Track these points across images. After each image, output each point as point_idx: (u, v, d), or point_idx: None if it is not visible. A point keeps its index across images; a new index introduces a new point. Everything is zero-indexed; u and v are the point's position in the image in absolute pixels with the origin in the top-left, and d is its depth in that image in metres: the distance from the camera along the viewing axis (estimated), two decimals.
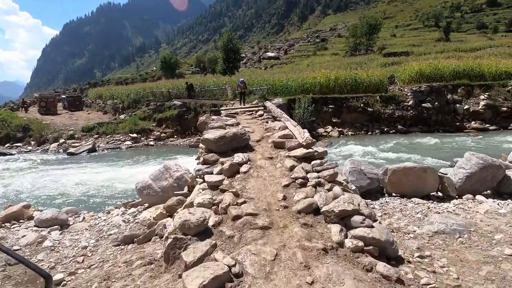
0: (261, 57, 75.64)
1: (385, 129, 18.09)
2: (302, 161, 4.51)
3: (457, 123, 18.31)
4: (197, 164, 4.99)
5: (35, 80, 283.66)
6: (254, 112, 9.59)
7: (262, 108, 10.25)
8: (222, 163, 4.48)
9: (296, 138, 5.38)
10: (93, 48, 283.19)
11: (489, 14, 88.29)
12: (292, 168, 4.23)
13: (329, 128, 18.13)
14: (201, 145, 5.33)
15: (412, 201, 5.41)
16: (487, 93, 18.92)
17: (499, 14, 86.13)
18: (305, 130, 5.45)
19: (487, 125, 18.00)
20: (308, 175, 4.02)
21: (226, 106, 16.04)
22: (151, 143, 18.25)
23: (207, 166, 4.59)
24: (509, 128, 17.87)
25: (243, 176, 4.10)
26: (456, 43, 56.85)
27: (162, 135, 19.03)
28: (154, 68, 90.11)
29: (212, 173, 4.33)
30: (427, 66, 20.38)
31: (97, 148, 17.22)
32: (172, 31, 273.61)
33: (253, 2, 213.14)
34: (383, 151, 13.20)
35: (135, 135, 18.65)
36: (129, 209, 6.33)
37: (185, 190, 5.30)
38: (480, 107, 18.49)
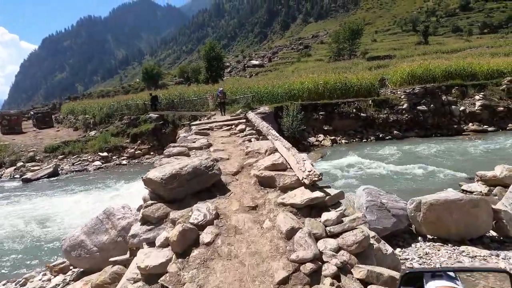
0: (246, 65, 74.49)
1: (380, 135, 16.65)
2: (305, 214, 2.73)
3: (455, 126, 17.09)
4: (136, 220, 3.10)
5: (13, 96, 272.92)
6: (233, 126, 7.52)
7: (244, 120, 8.28)
8: (173, 222, 2.65)
9: (291, 168, 3.61)
10: (74, 62, 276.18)
11: (463, 17, 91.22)
12: (290, 235, 2.44)
13: (321, 136, 16.53)
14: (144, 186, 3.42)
15: (463, 251, 3.70)
16: (482, 93, 17.86)
17: (472, 18, 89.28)
18: (305, 157, 3.65)
19: (485, 126, 16.85)
20: (321, 247, 2.26)
21: (206, 118, 14.21)
22: (124, 162, 16.10)
23: (149, 227, 2.74)
24: (507, 128, 16.81)
25: (205, 255, 2.29)
26: (435, 45, 57.60)
27: (137, 152, 16.91)
28: (137, 80, 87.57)
29: (154, 242, 2.49)
30: (418, 67, 19.25)
31: (60, 171, 14.93)
32: (155, 42, 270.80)
33: (235, 12, 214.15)
34: (385, 162, 11.61)
35: (105, 154, 16.45)
36: (55, 276, 4.35)
37: (128, 254, 3.42)
38: (476, 107, 17.37)
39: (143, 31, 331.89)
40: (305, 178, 3.03)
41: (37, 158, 16.59)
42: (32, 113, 29.34)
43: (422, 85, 17.76)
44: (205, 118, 13.22)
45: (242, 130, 6.79)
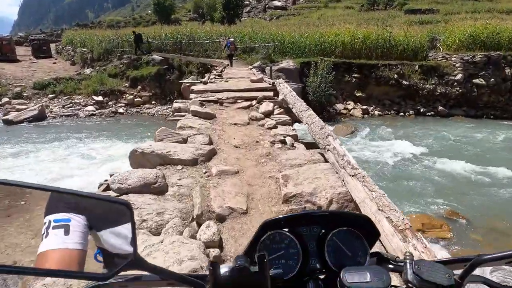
0: (267, 6, 66.82)
1: (422, 110, 13.92)
2: None
3: None
4: None
5: (22, 18, 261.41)
6: (254, 103, 4.62)
7: (271, 91, 5.25)
8: None
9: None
10: None
11: None
12: None
13: (351, 104, 13.88)
14: None
15: None
16: None
17: None
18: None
19: None
20: None
21: (217, 68, 11.55)
22: (121, 110, 13.99)
23: None
24: None
25: None
26: (486, 2, 49.57)
27: (136, 99, 14.69)
28: (149, 11, 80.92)
29: None
30: (483, 28, 15.40)
31: (47, 115, 13.00)
32: None
33: None
34: (436, 152, 9.20)
35: (100, 98, 14.27)
36: None
37: None
38: None
39: None
40: None
41: (25, 94, 14.55)
42: (30, 39, 26.46)
43: (485, 53, 14.27)
44: (216, 69, 10.61)
45: (268, 114, 4.08)
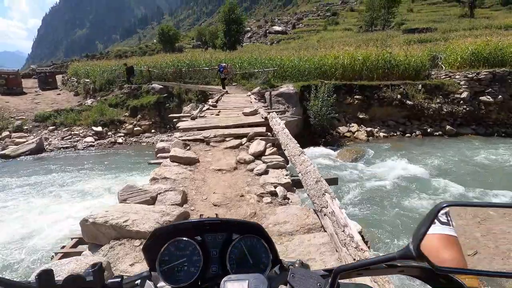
0: (267, 31, 68.81)
1: (429, 130, 13.34)
2: None
3: None
4: None
5: (36, 51, 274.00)
6: (244, 142, 4.05)
7: (263, 126, 4.70)
8: None
9: None
10: (94, 18, 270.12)
11: None
12: None
13: (354, 126, 13.40)
14: None
15: None
16: None
17: None
18: None
19: None
20: None
21: (214, 96, 11.32)
22: (120, 140, 13.72)
23: None
24: None
25: None
26: (482, 19, 50.08)
27: (136, 128, 14.46)
28: (154, 41, 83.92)
29: None
30: (484, 46, 15.11)
31: (46, 147, 12.77)
32: (175, 2, 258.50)
33: None
34: (447, 175, 8.54)
35: (99, 128, 14.07)
36: None
37: None
38: None
39: None
40: None
41: (25, 127, 14.45)
42: (36, 71, 27.12)
43: (490, 70, 13.86)
44: (213, 97, 10.34)
45: (259, 154, 3.47)
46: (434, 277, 0.51)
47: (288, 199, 2.56)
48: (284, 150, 2.95)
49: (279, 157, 3.20)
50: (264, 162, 3.10)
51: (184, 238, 0.68)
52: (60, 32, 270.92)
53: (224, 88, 13.67)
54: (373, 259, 0.52)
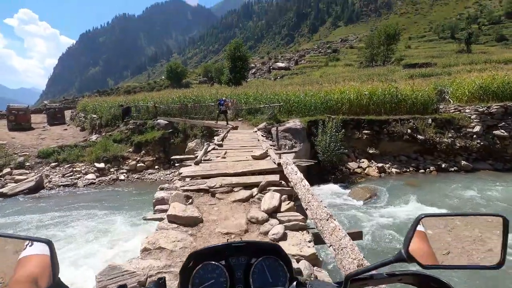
0: (271, 67, 71.27)
1: (443, 166, 12.68)
2: None
3: None
4: None
5: (50, 87, 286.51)
6: (254, 195, 3.41)
7: (276, 173, 4.17)
8: None
9: None
10: (107, 57, 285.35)
11: (509, 26, 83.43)
12: None
13: (365, 162, 12.82)
14: None
15: None
16: None
17: None
18: None
19: None
20: None
21: (218, 133, 11.00)
22: (122, 176, 13.24)
23: None
24: None
25: None
26: (480, 54, 51.35)
27: (139, 164, 14.04)
28: (163, 77, 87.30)
29: None
30: (491, 79, 14.96)
31: (45, 185, 12.31)
32: (184, 41, 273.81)
33: (263, 13, 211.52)
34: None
35: (102, 164, 13.69)
36: None
37: None
38: None
39: (173, 29, 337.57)
40: None
41: (27, 164, 14.14)
42: (46, 107, 27.66)
43: (500, 103, 13.52)
44: (218, 135, 10.00)
45: (274, 211, 2.85)
46: (427, 282, 0.61)
47: (316, 277, 1.98)
48: (306, 209, 2.42)
49: (298, 214, 2.63)
50: (280, 222, 2.53)
51: (213, 262, 0.77)
52: (74, 70, 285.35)
53: (227, 122, 13.53)
54: (376, 264, 0.61)
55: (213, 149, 6.02)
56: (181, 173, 3.99)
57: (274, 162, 4.30)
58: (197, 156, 4.81)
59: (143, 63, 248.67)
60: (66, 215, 9.16)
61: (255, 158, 4.85)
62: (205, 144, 6.32)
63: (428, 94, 14.90)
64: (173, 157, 5.72)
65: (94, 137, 16.58)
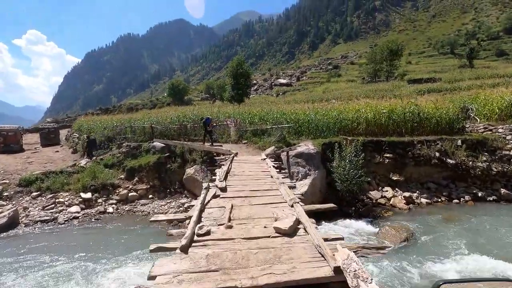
0: (273, 83, 70.62)
1: (479, 194, 10.90)
2: None
3: None
4: None
5: (55, 105, 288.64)
6: None
7: (330, 278, 2.33)
8: None
9: None
10: (111, 75, 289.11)
11: (507, 41, 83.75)
12: None
13: (388, 191, 11.07)
14: None
15: None
16: None
17: None
18: None
19: None
20: None
21: (223, 158, 9.36)
22: (110, 209, 11.48)
23: None
24: None
25: None
26: (483, 69, 50.39)
27: (131, 194, 12.33)
28: (165, 94, 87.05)
29: None
30: None
31: (21, 220, 10.57)
32: (187, 59, 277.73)
33: (264, 32, 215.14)
34: None
35: (89, 195, 11.99)
36: None
37: None
38: None
39: (176, 48, 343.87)
40: None
41: (5, 194, 12.43)
42: (40, 127, 26.29)
43: None
44: (221, 164, 8.38)
45: None
46: None
47: None
48: None
49: None
50: None
51: None
52: (79, 88, 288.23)
53: (212, 143, 12.71)
54: None
55: (214, 196, 4.36)
56: (154, 275, 2.22)
57: (323, 256, 2.48)
58: (185, 235, 2.91)
59: (146, 81, 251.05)
60: (34, 261, 7.42)
61: (280, 232, 3.08)
62: (202, 191, 4.61)
63: (453, 111, 13.33)
64: (152, 219, 3.96)
65: (83, 161, 14.96)
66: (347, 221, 9.53)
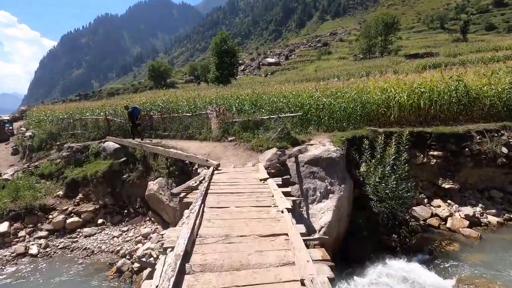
0: (261, 63, 65.67)
1: None
2: None
3: None
4: None
5: (33, 91, 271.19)
6: None
7: None
8: None
9: None
10: (91, 59, 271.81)
11: (497, 14, 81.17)
12: None
13: (441, 205, 7.59)
14: None
15: None
16: None
17: (507, 14, 79.46)
18: None
19: None
20: None
21: (194, 184, 5.46)
22: (35, 247, 7.58)
23: None
24: None
25: None
26: (479, 43, 47.28)
27: (70, 220, 8.42)
28: (146, 78, 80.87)
29: None
30: None
31: None
32: (170, 40, 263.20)
33: (250, 9, 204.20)
34: None
35: (5, 225, 8.01)
36: None
37: None
38: None
39: (158, 29, 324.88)
40: None
41: None
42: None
43: None
44: (195, 186, 4.62)
45: None
46: None
47: None
48: None
49: None
50: None
51: None
52: (56, 73, 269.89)
53: (141, 138, 9.93)
54: None
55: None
56: None
57: None
58: None
59: (129, 64, 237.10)
60: None
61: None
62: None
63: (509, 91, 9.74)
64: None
65: (9, 170, 10.76)
66: (395, 261, 6.06)
